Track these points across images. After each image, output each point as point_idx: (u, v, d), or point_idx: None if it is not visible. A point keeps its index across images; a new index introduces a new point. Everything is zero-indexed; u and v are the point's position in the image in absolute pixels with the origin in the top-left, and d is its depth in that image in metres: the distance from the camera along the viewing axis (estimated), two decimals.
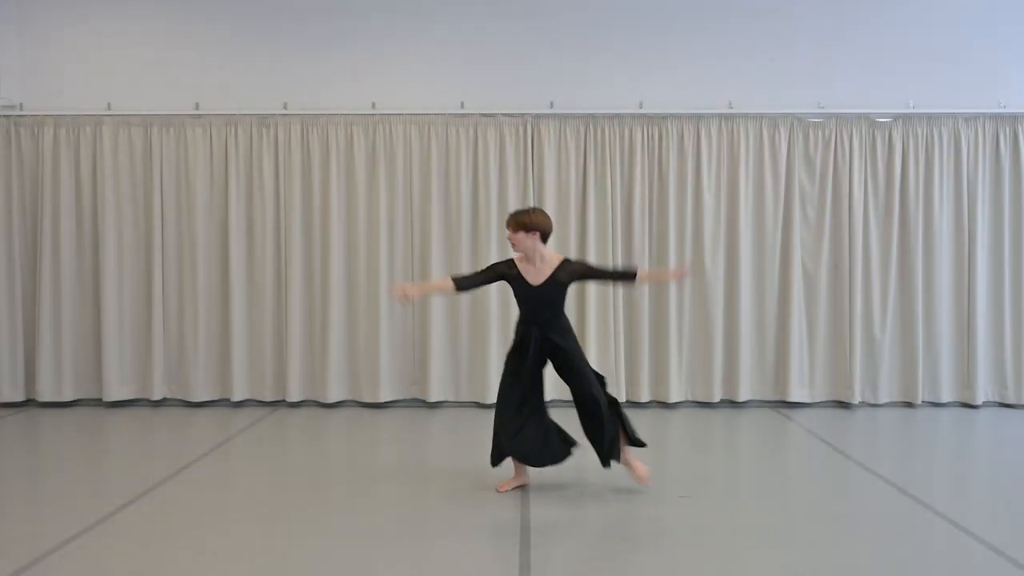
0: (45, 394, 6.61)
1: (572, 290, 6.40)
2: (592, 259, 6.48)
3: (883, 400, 6.65)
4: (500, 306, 6.54)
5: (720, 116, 6.61)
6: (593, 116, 6.62)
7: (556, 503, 4.22)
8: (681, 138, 6.62)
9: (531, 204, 6.52)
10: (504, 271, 4.30)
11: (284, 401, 6.69)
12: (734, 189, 6.61)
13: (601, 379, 4.36)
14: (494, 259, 6.45)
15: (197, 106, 6.70)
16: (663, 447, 5.73)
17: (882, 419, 6.29)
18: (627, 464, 4.36)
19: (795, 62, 6.73)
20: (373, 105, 6.67)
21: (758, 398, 6.69)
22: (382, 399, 6.58)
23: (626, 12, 6.74)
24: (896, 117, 6.63)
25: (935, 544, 3.67)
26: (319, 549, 3.56)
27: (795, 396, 6.57)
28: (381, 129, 6.62)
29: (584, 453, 4.40)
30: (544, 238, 4.26)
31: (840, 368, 6.63)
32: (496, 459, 4.37)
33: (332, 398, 6.60)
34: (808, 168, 6.66)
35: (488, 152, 6.59)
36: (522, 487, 4.43)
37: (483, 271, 4.41)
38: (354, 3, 6.77)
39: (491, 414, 4.38)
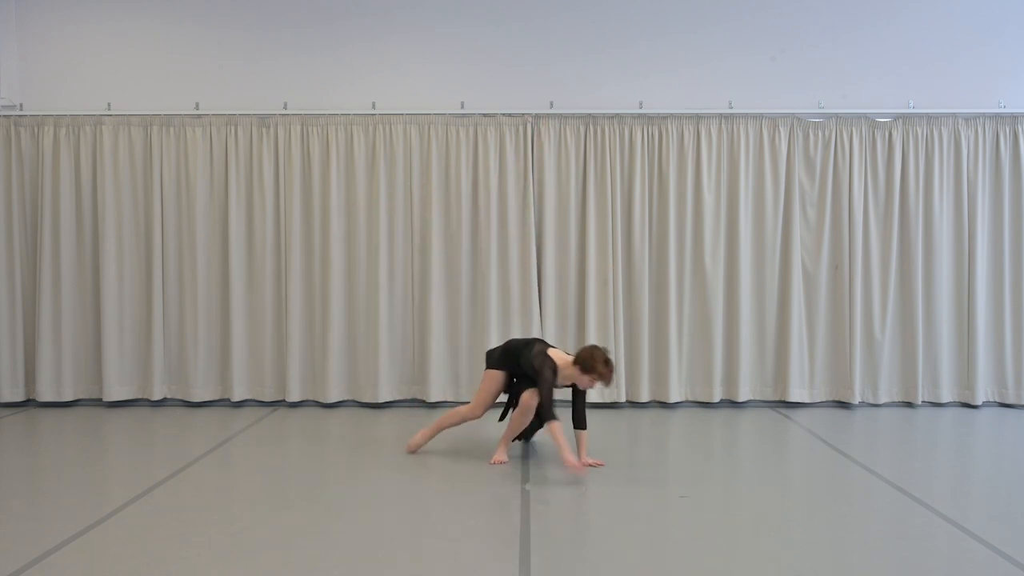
0: (45, 394, 6.60)
1: (573, 288, 6.56)
2: (592, 259, 6.52)
3: (883, 400, 6.64)
4: (499, 306, 6.55)
5: (720, 116, 6.61)
6: (593, 116, 6.62)
7: (556, 503, 4.22)
8: (681, 138, 6.62)
9: (531, 204, 6.54)
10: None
11: (284, 401, 6.69)
12: (734, 189, 6.61)
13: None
14: (493, 259, 6.55)
15: (197, 106, 6.70)
16: (663, 447, 5.74)
17: (882, 419, 6.29)
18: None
19: (795, 62, 6.73)
20: (373, 105, 6.67)
21: (758, 398, 6.69)
22: (382, 399, 6.58)
23: (626, 12, 6.74)
24: (896, 117, 6.63)
25: (935, 544, 3.67)
26: (319, 549, 3.56)
27: (795, 396, 6.57)
28: (381, 129, 6.62)
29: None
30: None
31: (840, 368, 6.63)
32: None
33: (332, 398, 6.60)
34: (808, 168, 6.66)
35: (488, 152, 6.59)
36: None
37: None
38: (354, 3, 6.77)
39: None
